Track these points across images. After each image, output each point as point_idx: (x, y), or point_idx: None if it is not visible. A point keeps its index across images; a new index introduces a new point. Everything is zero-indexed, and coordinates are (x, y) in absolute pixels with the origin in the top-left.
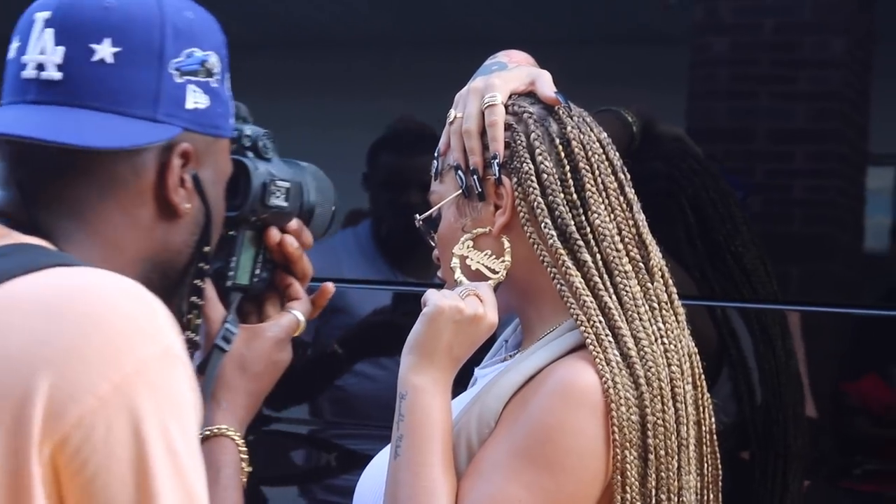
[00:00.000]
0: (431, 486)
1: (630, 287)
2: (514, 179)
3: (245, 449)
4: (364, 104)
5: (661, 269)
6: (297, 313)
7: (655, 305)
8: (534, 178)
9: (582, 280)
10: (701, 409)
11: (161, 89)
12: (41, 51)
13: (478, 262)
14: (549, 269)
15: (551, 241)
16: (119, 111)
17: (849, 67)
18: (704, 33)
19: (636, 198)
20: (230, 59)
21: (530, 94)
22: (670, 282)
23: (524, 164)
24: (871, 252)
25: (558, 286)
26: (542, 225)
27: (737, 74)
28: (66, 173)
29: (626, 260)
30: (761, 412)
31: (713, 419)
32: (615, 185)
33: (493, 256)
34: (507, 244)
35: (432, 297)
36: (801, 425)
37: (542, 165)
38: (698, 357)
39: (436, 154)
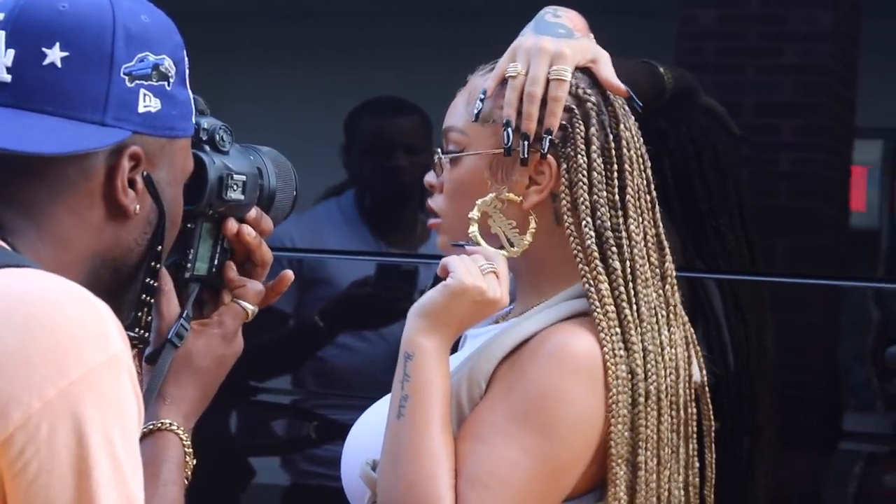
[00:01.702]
0: (433, 447)
1: (648, 297)
2: (564, 166)
3: (189, 444)
4: (347, 73)
5: (671, 273)
6: (244, 303)
7: (664, 313)
8: (585, 172)
9: (608, 288)
10: (688, 411)
11: (111, 93)
12: None
13: (499, 228)
14: (580, 266)
15: (589, 241)
16: (68, 115)
17: (835, 41)
18: (691, 6)
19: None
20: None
21: (586, 72)
22: (676, 285)
23: (579, 156)
24: (856, 225)
25: (586, 286)
26: (584, 223)
27: (723, 48)
28: (18, 173)
29: (647, 266)
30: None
31: (695, 419)
32: (644, 183)
33: (517, 230)
34: (533, 224)
35: (458, 270)
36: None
37: (596, 163)
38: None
39: (481, 95)
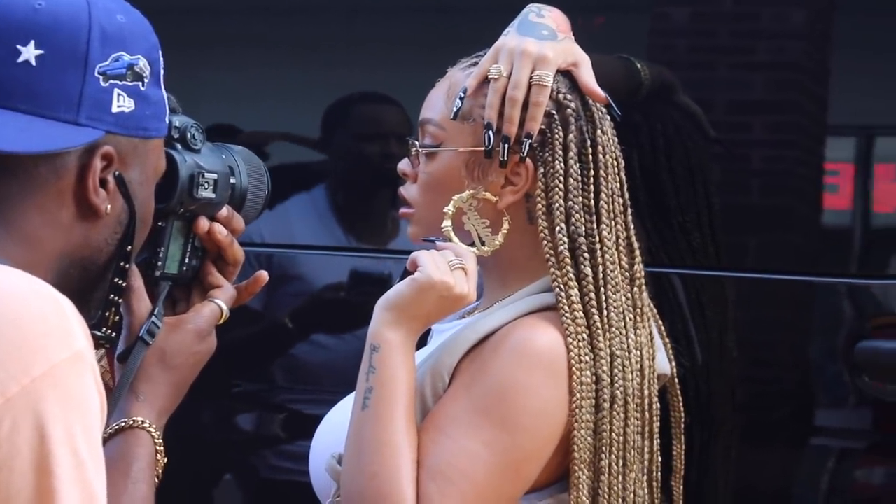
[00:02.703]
0: (396, 439)
1: (618, 301)
2: (541, 170)
3: (161, 441)
4: (320, 68)
5: (641, 275)
6: (220, 302)
7: (631, 315)
8: (562, 178)
9: (578, 293)
10: (652, 409)
11: (84, 93)
12: None
13: (473, 226)
14: (551, 270)
15: (562, 247)
16: (41, 113)
17: (808, 38)
18: (663, 3)
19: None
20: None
21: (567, 75)
22: (644, 286)
23: (556, 163)
24: (828, 222)
25: (556, 290)
26: (557, 228)
27: (695, 45)
28: None
29: (618, 270)
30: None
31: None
32: (618, 186)
33: (489, 229)
34: (506, 224)
35: (426, 265)
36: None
37: (572, 168)
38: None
39: (461, 93)
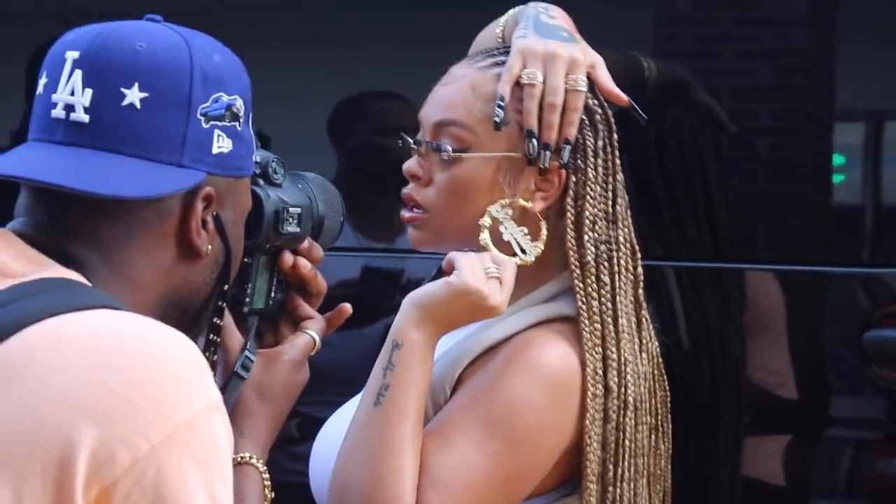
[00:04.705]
0: (402, 441)
1: (627, 307)
2: (573, 179)
3: (268, 476)
4: (328, 67)
5: (641, 276)
6: (312, 333)
7: (635, 318)
8: (593, 185)
9: (598, 304)
10: (660, 412)
11: (188, 135)
12: (71, 92)
13: (511, 235)
14: (576, 281)
15: (589, 256)
16: (146, 156)
17: (812, 24)
18: None
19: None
20: None
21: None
22: (642, 285)
23: (589, 170)
24: (837, 209)
25: (580, 302)
26: (586, 238)
27: (700, 33)
28: (94, 212)
29: (626, 276)
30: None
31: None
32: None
33: (528, 236)
34: (544, 230)
35: (464, 269)
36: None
37: (601, 176)
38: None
39: (500, 101)
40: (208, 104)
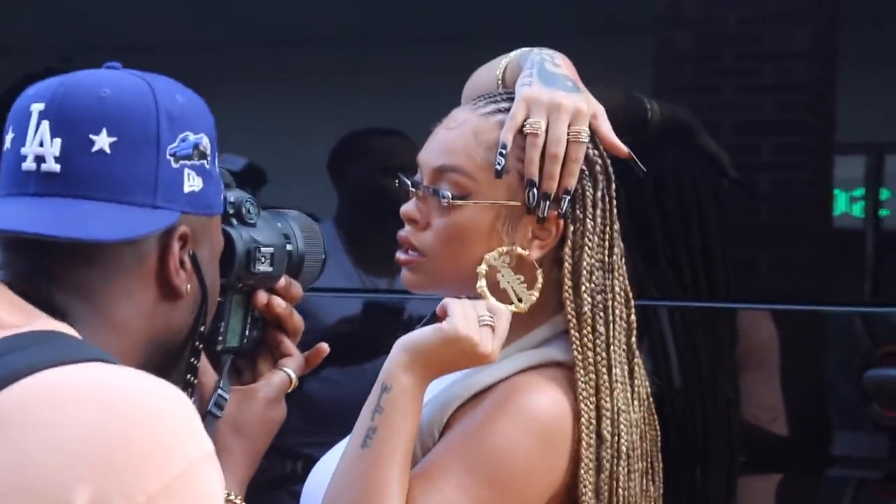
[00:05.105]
0: (388, 484)
1: (621, 359)
2: (571, 228)
3: None
4: (334, 104)
5: (634, 324)
6: (289, 370)
7: (626, 367)
8: (591, 236)
9: (593, 354)
10: (653, 455)
11: (159, 176)
12: (40, 143)
13: (508, 284)
14: (572, 332)
15: (586, 308)
16: (120, 200)
17: (813, 58)
18: (668, 26)
19: None
20: None
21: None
22: (635, 333)
23: (587, 220)
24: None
25: (575, 353)
26: (583, 289)
27: (701, 69)
28: (75, 259)
29: (620, 324)
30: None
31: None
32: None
33: (524, 284)
34: (540, 278)
35: (456, 316)
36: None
37: (599, 227)
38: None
39: (502, 149)
40: (176, 144)
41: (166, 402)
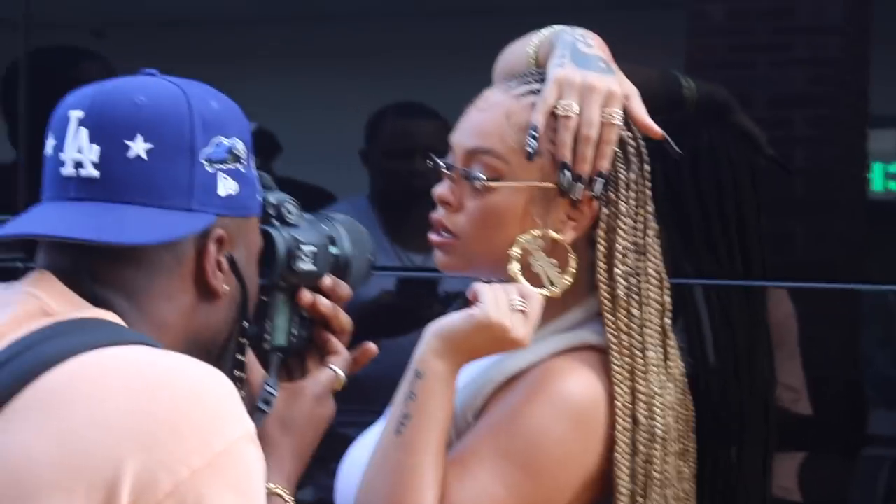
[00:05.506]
0: (422, 471)
1: (655, 341)
2: (605, 210)
3: None
4: (363, 79)
5: (669, 306)
6: (336, 368)
7: (662, 351)
8: (625, 218)
9: (627, 337)
10: (685, 435)
11: (194, 180)
12: (79, 149)
13: (541, 267)
14: (606, 314)
15: (620, 291)
16: (157, 204)
17: (846, 32)
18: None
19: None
20: None
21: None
22: (668, 315)
23: (621, 203)
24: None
25: (610, 335)
26: (616, 271)
27: (733, 43)
28: (116, 260)
29: (654, 306)
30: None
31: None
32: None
33: (558, 268)
34: (573, 262)
35: (487, 301)
36: None
37: (633, 209)
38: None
39: (533, 131)
40: (210, 149)
41: (211, 382)
